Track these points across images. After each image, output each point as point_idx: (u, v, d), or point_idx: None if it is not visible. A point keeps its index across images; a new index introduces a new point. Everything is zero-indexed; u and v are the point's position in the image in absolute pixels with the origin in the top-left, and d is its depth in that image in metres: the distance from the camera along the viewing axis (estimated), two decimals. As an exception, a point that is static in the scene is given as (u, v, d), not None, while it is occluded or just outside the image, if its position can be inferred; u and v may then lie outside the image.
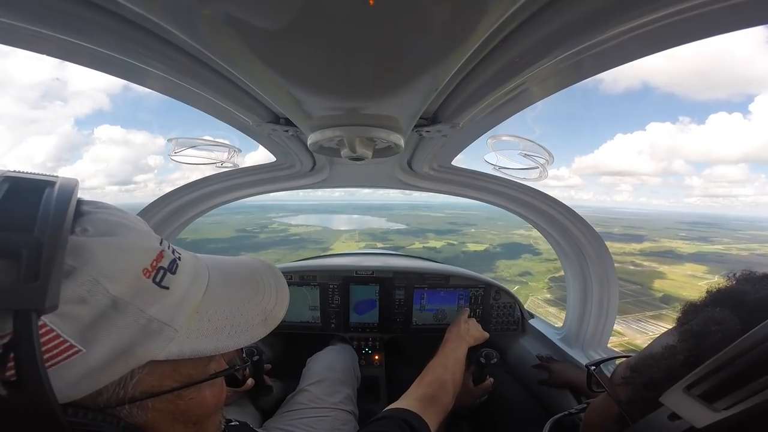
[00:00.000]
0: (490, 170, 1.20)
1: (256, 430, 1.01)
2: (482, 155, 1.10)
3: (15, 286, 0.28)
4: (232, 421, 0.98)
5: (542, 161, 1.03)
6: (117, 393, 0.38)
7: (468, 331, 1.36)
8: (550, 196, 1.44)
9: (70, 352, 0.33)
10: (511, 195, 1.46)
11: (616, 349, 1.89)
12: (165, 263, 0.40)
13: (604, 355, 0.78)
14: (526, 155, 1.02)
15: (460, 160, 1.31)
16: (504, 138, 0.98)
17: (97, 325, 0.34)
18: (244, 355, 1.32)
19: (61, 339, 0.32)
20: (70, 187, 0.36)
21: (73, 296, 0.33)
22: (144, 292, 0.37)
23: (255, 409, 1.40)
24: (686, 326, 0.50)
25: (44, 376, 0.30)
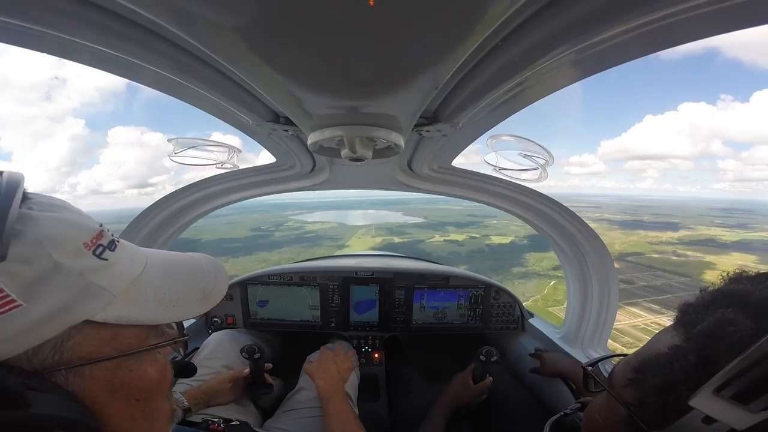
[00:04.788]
0: (490, 171, 1.20)
1: (256, 430, 1.01)
2: (482, 160, 1.10)
3: None
4: (232, 421, 0.98)
5: (542, 162, 1.03)
6: (53, 355, 0.40)
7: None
8: (549, 197, 1.45)
9: (12, 305, 0.36)
10: (511, 196, 1.46)
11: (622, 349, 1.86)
12: (104, 242, 0.45)
13: (603, 354, 0.78)
14: (525, 156, 1.02)
15: (461, 164, 1.31)
16: (504, 138, 0.98)
17: (39, 284, 0.38)
18: (244, 354, 1.32)
19: (5, 293, 0.36)
20: (18, 174, 0.42)
21: (19, 256, 0.36)
22: (84, 261, 0.42)
23: (255, 408, 1.40)
24: (699, 327, 0.48)
25: None
